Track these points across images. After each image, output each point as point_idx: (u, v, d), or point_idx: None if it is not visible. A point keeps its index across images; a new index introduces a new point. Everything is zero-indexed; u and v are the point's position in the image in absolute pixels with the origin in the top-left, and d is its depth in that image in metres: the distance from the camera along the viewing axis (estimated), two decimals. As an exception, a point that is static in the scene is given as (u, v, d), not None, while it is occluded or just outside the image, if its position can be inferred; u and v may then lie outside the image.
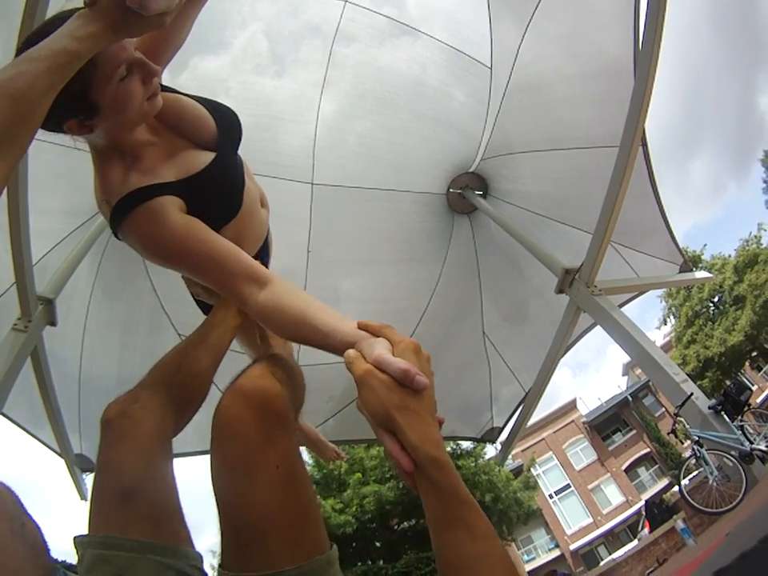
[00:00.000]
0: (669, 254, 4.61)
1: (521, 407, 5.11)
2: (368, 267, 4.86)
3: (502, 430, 5.46)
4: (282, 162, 4.16)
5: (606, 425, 32.81)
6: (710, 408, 3.27)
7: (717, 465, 4.24)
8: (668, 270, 4.63)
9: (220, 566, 1.01)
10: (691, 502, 4.58)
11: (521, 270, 4.82)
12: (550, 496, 31.15)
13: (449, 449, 12.97)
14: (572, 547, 29.62)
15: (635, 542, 21.88)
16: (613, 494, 30.86)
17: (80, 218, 4.11)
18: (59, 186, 3.96)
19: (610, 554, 25.72)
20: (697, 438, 3.94)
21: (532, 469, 25.95)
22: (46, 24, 1.15)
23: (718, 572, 1.28)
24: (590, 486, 31.06)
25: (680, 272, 4.64)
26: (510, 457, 6.21)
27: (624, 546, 25.52)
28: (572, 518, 30.71)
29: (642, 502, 26.07)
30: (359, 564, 14.19)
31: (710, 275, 5.25)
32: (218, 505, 1.03)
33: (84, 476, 4.71)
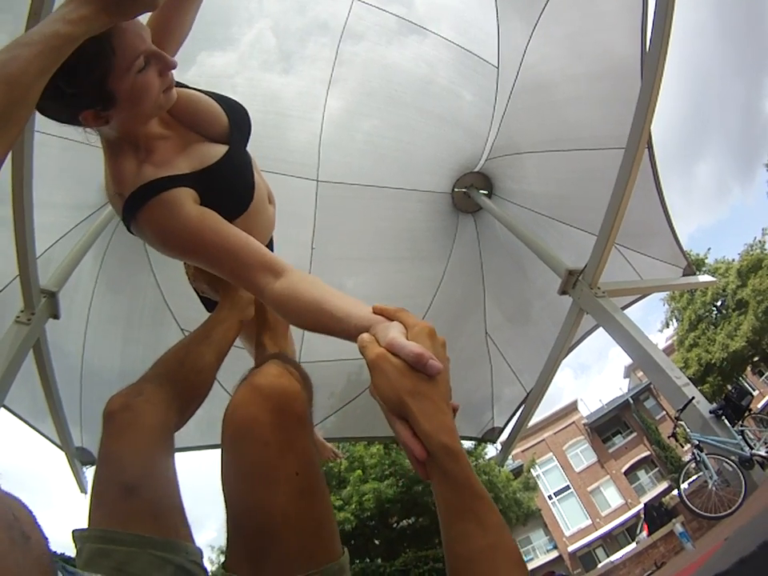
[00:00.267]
0: (672, 256, 4.59)
1: (522, 407, 5.09)
2: (372, 265, 4.85)
3: (502, 430, 5.44)
4: (288, 159, 4.15)
5: (607, 427, 32.79)
6: (710, 412, 3.26)
7: (717, 469, 4.24)
8: (671, 273, 4.60)
9: (223, 566, 0.98)
10: (690, 506, 4.57)
11: (524, 271, 4.81)
12: (550, 497, 31.16)
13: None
14: (570, 549, 29.62)
15: (633, 544, 21.84)
16: (612, 496, 30.86)
17: (84, 212, 4.12)
18: (64, 179, 3.97)
19: (608, 557, 25.75)
20: (697, 442, 3.94)
21: (532, 470, 25.98)
22: None
23: (716, 577, 1.27)
24: (589, 488, 31.05)
25: (683, 275, 4.61)
26: (510, 457, 6.20)
27: (622, 548, 25.50)
28: (571, 519, 30.71)
29: (641, 505, 26.04)
30: (357, 562, 14.18)
31: (714, 279, 5.24)
32: (228, 507, 1.00)
33: (84, 469, 4.71)
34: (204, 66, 3.79)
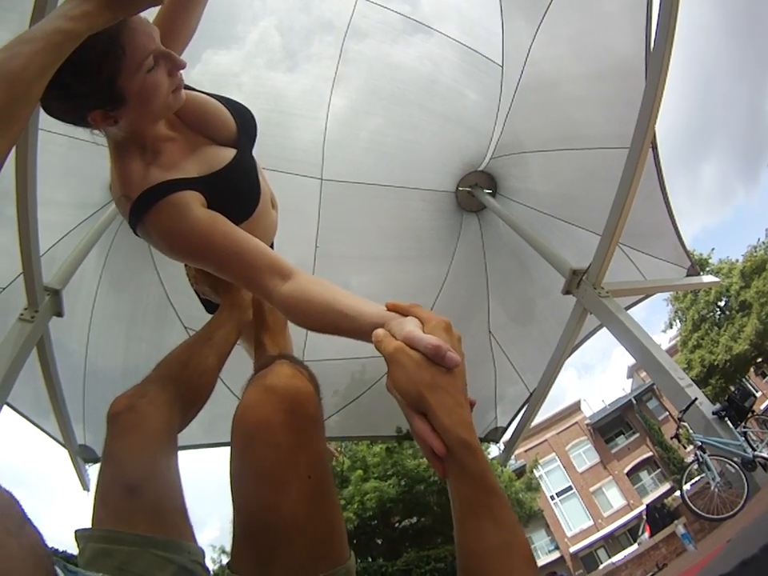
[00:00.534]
0: (676, 257, 4.57)
1: (525, 407, 5.09)
2: (376, 264, 4.86)
3: (505, 429, 5.44)
4: (292, 157, 4.16)
5: (610, 427, 32.77)
6: (713, 413, 3.24)
7: (719, 471, 4.24)
8: (675, 273, 4.58)
9: (228, 567, 0.97)
10: (692, 507, 4.57)
11: (528, 270, 4.80)
12: (552, 497, 31.15)
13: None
14: (572, 549, 29.62)
15: (635, 546, 21.90)
16: (614, 497, 30.85)
17: (88, 210, 4.13)
18: (68, 177, 3.98)
19: (610, 558, 25.78)
20: (700, 444, 3.93)
21: (534, 470, 25.97)
22: None
23: (718, 578, 1.26)
24: (591, 489, 31.04)
25: (687, 275, 4.59)
26: (512, 457, 6.20)
27: (624, 549, 25.52)
28: (573, 520, 30.71)
29: (643, 506, 26.09)
30: (359, 561, 14.21)
31: (717, 279, 5.21)
32: (236, 507, 0.98)
33: (87, 467, 4.71)
34: (209, 64, 3.80)
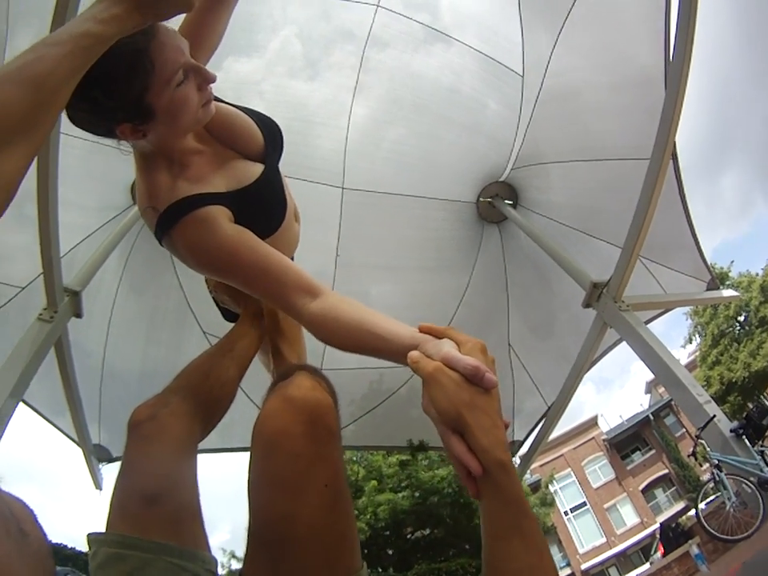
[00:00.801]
0: (696, 270, 4.53)
1: (543, 421, 5.05)
2: (396, 273, 4.86)
3: (522, 443, 5.39)
4: (313, 166, 4.18)
5: (626, 443, 32.41)
6: (731, 431, 3.20)
7: (735, 490, 4.15)
8: (695, 286, 4.55)
9: (240, 574, 0.98)
10: (707, 527, 4.49)
11: (549, 282, 4.77)
12: (566, 513, 30.84)
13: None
14: (583, 567, 29.24)
15: (647, 565, 21.54)
16: (628, 514, 30.47)
17: (110, 213, 4.18)
18: (91, 180, 4.04)
19: (621, 576, 25.43)
20: (717, 462, 3.87)
21: (549, 485, 25.76)
22: None
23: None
24: (605, 505, 30.69)
25: (707, 289, 4.56)
26: (528, 471, 6.16)
27: (636, 568, 25.16)
28: (585, 536, 30.34)
29: (657, 525, 25.72)
30: (370, 571, 13.99)
31: (737, 294, 5.17)
32: (252, 514, 0.99)
33: (100, 466, 4.76)
34: (230, 72, 3.83)
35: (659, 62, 3.51)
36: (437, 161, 4.45)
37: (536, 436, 5.13)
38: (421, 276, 4.88)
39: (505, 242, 4.92)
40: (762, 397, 23.87)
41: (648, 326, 3.91)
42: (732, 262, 27.96)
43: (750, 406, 20.45)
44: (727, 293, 4.84)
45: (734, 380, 23.44)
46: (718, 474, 4.13)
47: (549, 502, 23.33)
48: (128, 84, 1.10)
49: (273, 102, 3.94)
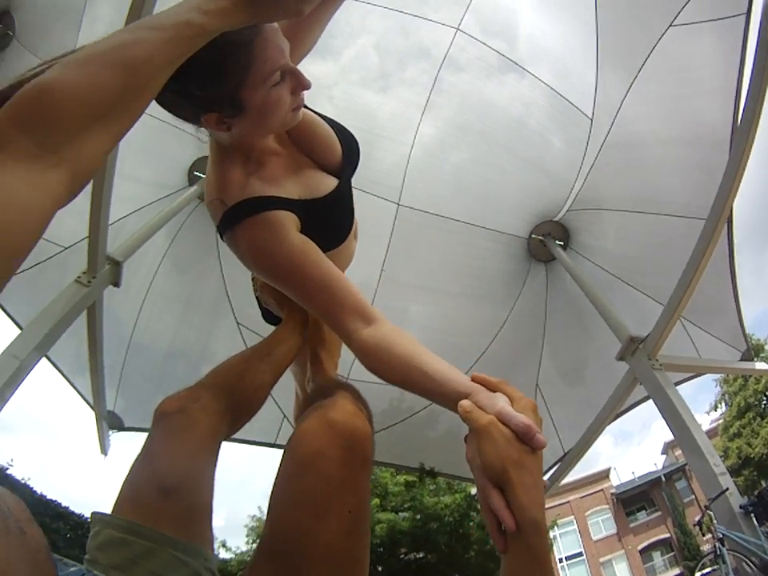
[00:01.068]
0: (733, 338, 4.46)
1: (557, 466, 5.00)
2: (437, 296, 4.85)
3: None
4: (373, 178, 4.20)
5: (634, 501, 31.79)
6: (741, 507, 3.15)
7: (734, 567, 4.06)
8: (730, 354, 4.47)
9: None
10: (699, 598, 4.41)
11: (586, 329, 4.72)
12: (560, 560, 30.31)
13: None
14: (571, 617, 28.71)
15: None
16: (622, 571, 29.83)
17: (165, 191, 4.28)
18: (151, 156, 4.13)
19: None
20: (721, 536, 3.86)
21: (550, 530, 25.36)
22: None
23: None
24: (601, 559, 30.09)
25: (741, 359, 4.48)
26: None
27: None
28: (576, 587, 29.80)
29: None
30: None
31: (770, 368, 5.05)
32: (270, 526, 1.00)
33: (110, 433, 4.83)
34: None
35: (727, 122, 3.47)
36: (495, 191, 4.45)
37: (548, 479, 5.06)
38: (460, 302, 4.87)
39: (550, 282, 4.90)
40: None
41: (677, 387, 3.85)
42: (772, 334, 27.33)
43: (764, 483, 19.99)
44: (760, 365, 4.72)
45: (751, 455, 22.90)
46: (720, 548, 4.10)
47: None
48: (226, 76, 1.09)
49: (342, 109, 3.99)
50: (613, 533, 30.91)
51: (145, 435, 1.27)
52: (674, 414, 3.38)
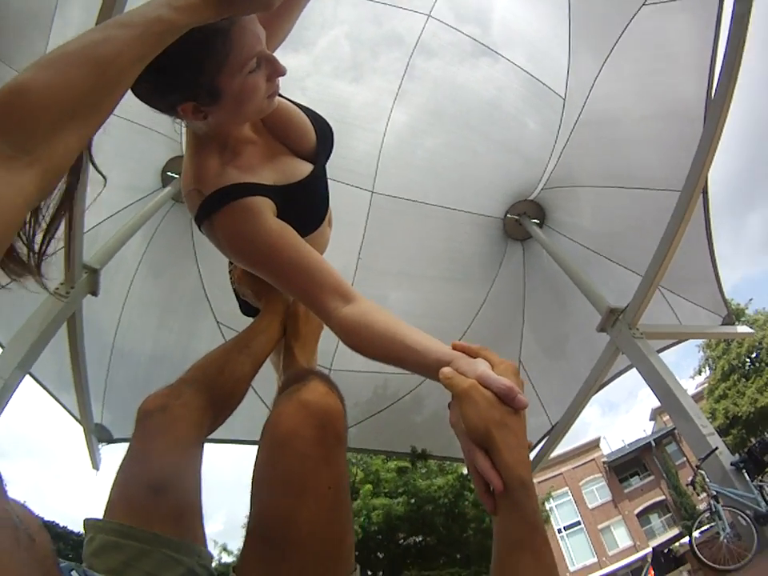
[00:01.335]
0: (714, 304, 4.55)
1: (545, 439, 5.08)
2: (415, 281, 4.87)
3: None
4: (346, 167, 4.19)
5: (626, 467, 32.10)
6: (731, 464, 3.26)
7: (730, 522, 4.18)
8: (711, 320, 4.57)
9: (234, 570, 1.00)
10: (699, 555, 4.50)
11: (565, 304, 4.78)
12: (559, 530, 30.63)
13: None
14: (572, 584, 29.08)
15: (637, 587, 21.43)
16: (621, 536, 30.19)
17: (137, 194, 4.22)
18: (121, 159, 4.04)
19: (609, 598, 25.28)
20: (715, 493, 3.94)
21: (546, 503, 25.63)
22: None
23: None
24: (599, 526, 30.43)
25: (723, 324, 4.58)
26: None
27: (625, 590, 25.01)
28: (577, 555, 30.11)
29: (649, 549, 25.56)
30: (360, 573, 13.91)
31: (751, 331, 5.13)
32: (254, 511, 1.02)
33: (100, 446, 4.76)
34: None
35: (701, 97, 3.51)
36: (469, 174, 4.47)
37: (537, 453, 5.16)
38: (439, 286, 4.89)
39: (527, 260, 4.94)
40: (765, 433, 23.65)
41: (660, 354, 3.92)
42: (751, 299, 27.56)
43: (753, 440, 20.28)
44: (741, 329, 4.82)
45: (739, 414, 23.20)
46: (714, 505, 4.17)
47: (543, 519, 23.26)
48: (203, 64, 1.09)
49: (314, 100, 3.95)
50: (608, 500, 31.23)
51: (134, 444, 1.28)
52: (658, 380, 3.48)
